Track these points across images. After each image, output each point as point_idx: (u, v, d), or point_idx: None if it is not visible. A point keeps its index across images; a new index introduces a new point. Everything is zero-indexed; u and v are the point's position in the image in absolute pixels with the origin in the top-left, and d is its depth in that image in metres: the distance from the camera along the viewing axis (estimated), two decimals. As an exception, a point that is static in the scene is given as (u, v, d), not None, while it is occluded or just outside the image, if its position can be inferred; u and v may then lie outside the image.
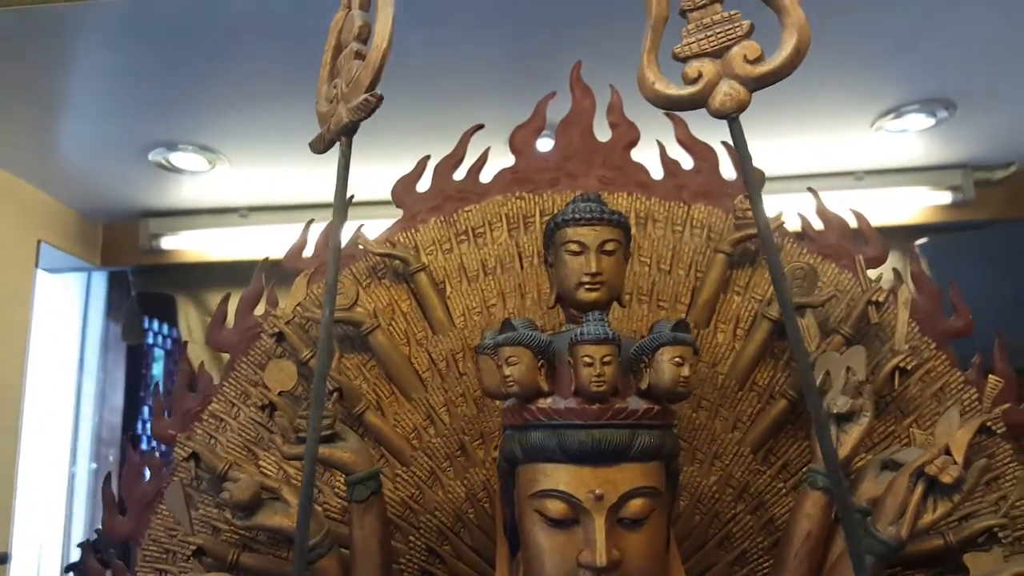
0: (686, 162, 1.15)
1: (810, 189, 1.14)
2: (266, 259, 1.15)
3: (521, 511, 0.78)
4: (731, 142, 0.66)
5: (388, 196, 1.15)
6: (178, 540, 1.02)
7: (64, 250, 2.18)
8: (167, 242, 2.25)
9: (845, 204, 1.14)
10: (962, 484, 0.74)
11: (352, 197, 1.07)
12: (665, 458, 0.78)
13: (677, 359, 0.75)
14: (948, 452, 0.76)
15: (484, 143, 1.15)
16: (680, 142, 1.15)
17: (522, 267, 1.11)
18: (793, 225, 1.12)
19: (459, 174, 1.15)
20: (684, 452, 1.01)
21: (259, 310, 1.12)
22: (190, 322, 2.33)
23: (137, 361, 2.71)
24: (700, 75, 0.68)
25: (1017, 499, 0.95)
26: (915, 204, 2.10)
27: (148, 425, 2.58)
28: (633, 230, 1.08)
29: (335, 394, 1.01)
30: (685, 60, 0.68)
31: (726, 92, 0.67)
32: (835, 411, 0.85)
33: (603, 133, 1.15)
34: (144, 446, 2.49)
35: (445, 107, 1.61)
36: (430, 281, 1.10)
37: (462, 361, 1.07)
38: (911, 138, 1.88)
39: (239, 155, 1.92)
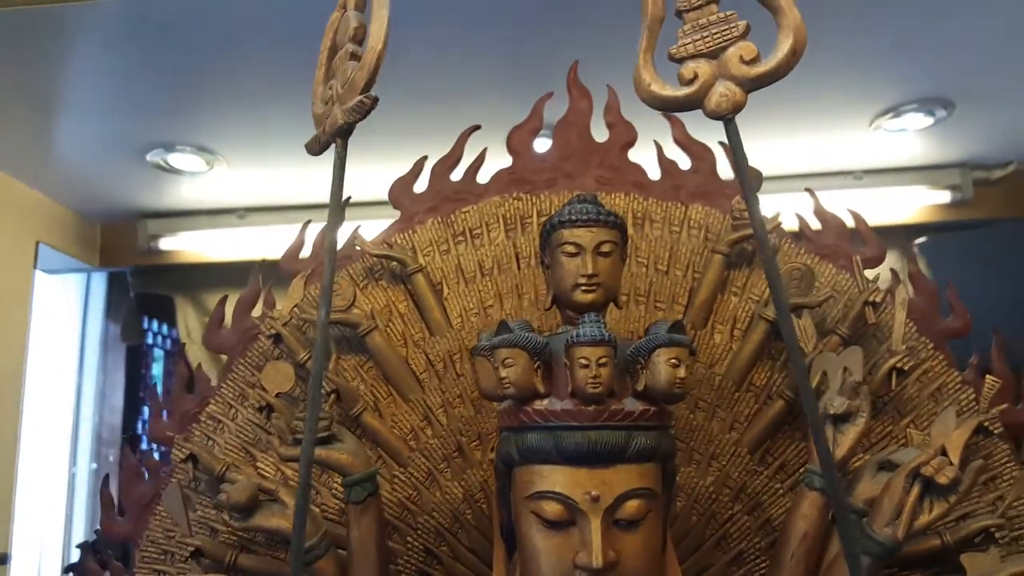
0: (683, 162, 1.15)
1: (807, 189, 1.14)
2: (263, 260, 1.15)
3: (518, 513, 0.78)
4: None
5: (385, 197, 1.15)
6: (176, 541, 1.02)
7: (63, 251, 2.18)
8: (165, 243, 2.25)
9: (844, 203, 1.14)
10: (958, 485, 0.74)
11: (349, 198, 1.07)
12: (661, 459, 0.78)
13: (673, 360, 0.75)
14: (944, 453, 0.76)
15: (481, 144, 1.15)
16: (677, 142, 1.15)
17: (519, 268, 1.11)
18: (791, 225, 1.12)
19: (456, 175, 1.15)
20: (681, 453, 1.01)
21: (256, 311, 1.12)
22: (189, 323, 2.33)
23: (137, 361, 2.71)
24: (696, 76, 0.68)
25: (1014, 499, 0.95)
26: (914, 203, 2.10)
27: (148, 425, 2.57)
28: (630, 231, 1.09)
29: (332, 395, 1.01)
30: (681, 61, 0.68)
31: (722, 93, 0.67)
32: (832, 412, 0.85)
33: (600, 133, 1.15)
34: (144, 446, 2.49)
35: (442, 108, 1.61)
36: (427, 282, 1.10)
37: (459, 362, 1.07)
38: (910, 137, 1.88)
39: (237, 156, 1.92)
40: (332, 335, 1.06)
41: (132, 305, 2.48)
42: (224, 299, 1.13)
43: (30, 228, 2.06)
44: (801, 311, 1.00)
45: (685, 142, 1.14)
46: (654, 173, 1.14)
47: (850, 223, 1.11)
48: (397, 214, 1.15)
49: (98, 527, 1.14)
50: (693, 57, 0.68)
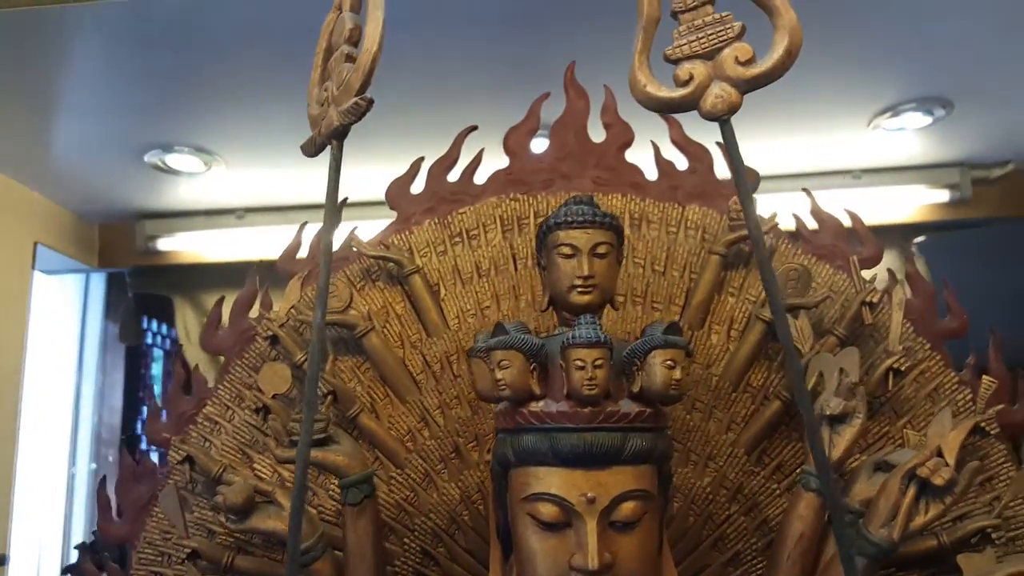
0: (681, 163, 1.15)
1: (804, 189, 1.14)
2: (259, 261, 1.15)
3: (514, 514, 0.78)
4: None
5: (383, 197, 1.15)
6: (173, 543, 1.02)
7: (61, 252, 2.18)
8: (163, 243, 2.25)
9: (842, 203, 1.14)
10: (954, 486, 0.74)
11: (346, 199, 1.07)
12: (657, 461, 0.78)
13: (669, 362, 0.75)
14: (940, 454, 0.76)
15: (478, 144, 1.15)
16: (675, 143, 1.14)
17: (516, 269, 1.11)
18: (788, 225, 1.12)
19: (453, 176, 1.15)
20: (678, 454, 1.01)
21: (253, 313, 1.12)
22: (187, 323, 2.33)
23: (136, 361, 2.71)
24: (691, 77, 0.68)
25: (1011, 500, 0.95)
26: (912, 202, 2.10)
27: (145, 427, 2.57)
28: (627, 231, 1.09)
29: (329, 397, 1.01)
30: (676, 62, 0.68)
31: (717, 94, 0.67)
32: (828, 413, 0.85)
33: (598, 134, 1.15)
34: (144, 446, 2.49)
35: (439, 108, 1.61)
36: (424, 283, 1.09)
37: (456, 363, 1.07)
38: (908, 136, 1.88)
39: (235, 156, 1.92)
40: (329, 336, 1.06)
41: (130, 305, 2.48)
42: (221, 300, 1.13)
43: (28, 229, 2.06)
44: (798, 312, 1.00)
45: (682, 143, 1.14)
46: (651, 174, 1.14)
47: (847, 223, 1.11)
48: (394, 214, 1.15)
49: (96, 528, 1.14)
50: (689, 58, 0.68)
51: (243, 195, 2.13)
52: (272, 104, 1.63)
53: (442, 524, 1.03)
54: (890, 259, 1.15)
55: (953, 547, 0.91)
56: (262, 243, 2.10)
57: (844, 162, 2.01)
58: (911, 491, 0.75)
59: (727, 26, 0.67)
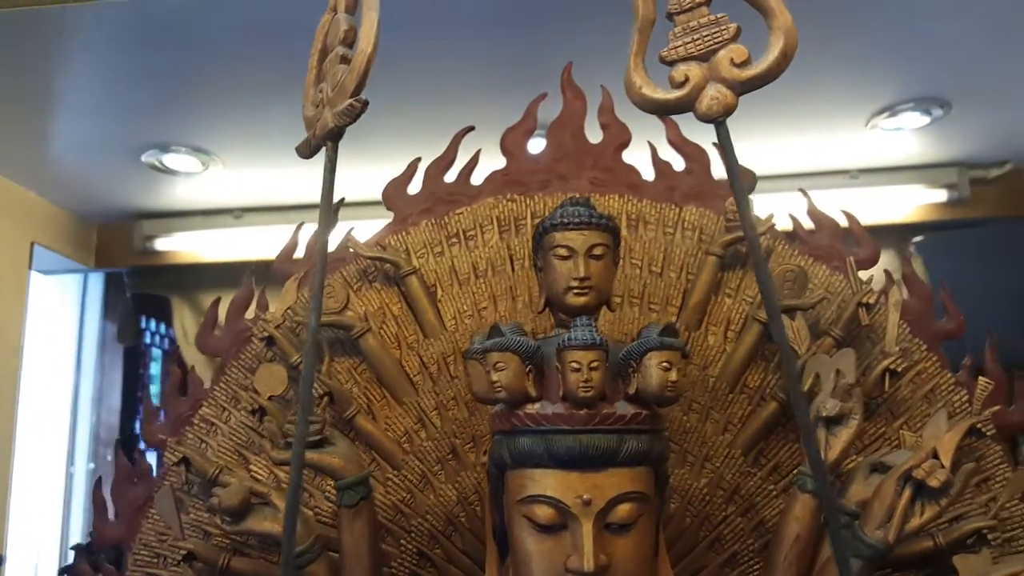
0: (678, 163, 1.14)
1: (801, 190, 1.14)
2: (256, 262, 1.14)
3: (510, 516, 0.78)
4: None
5: (379, 197, 1.15)
6: (169, 544, 1.02)
7: (58, 252, 2.17)
8: (161, 243, 2.25)
9: (840, 203, 1.14)
10: (949, 488, 0.74)
11: (342, 200, 1.07)
12: (653, 463, 0.78)
13: (665, 364, 0.75)
14: (936, 456, 0.76)
15: (475, 145, 1.15)
16: (672, 144, 1.14)
17: (513, 270, 1.11)
18: (785, 225, 1.11)
19: (450, 176, 1.15)
20: (675, 454, 1.01)
21: (250, 314, 1.11)
22: (185, 323, 2.33)
23: (135, 361, 2.71)
24: (687, 79, 0.68)
25: (1007, 501, 0.95)
26: (910, 202, 2.10)
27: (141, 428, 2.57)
28: (624, 232, 1.09)
29: (325, 398, 1.01)
30: (672, 64, 0.68)
31: (712, 96, 0.67)
32: (824, 414, 0.85)
33: (594, 134, 1.15)
34: (142, 446, 2.49)
35: (436, 108, 1.61)
36: (421, 284, 1.09)
37: (453, 364, 1.07)
38: (906, 136, 1.88)
39: (232, 156, 1.92)
40: (325, 337, 1.06)
41: (128, 306, 2.48)
42: (217, 301, 1.13)
43: (25, 229, 2.06)
44: (794, 313, 1.00)
45: (679, 143, 1.14)
46: (648, 174, 1.14)
47: (844, 224, 1.11)
48: (391, 214, 1.14)
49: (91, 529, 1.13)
50: (684, 60, 0.68)
51: (241, 195, 2.13)
52: (269, 104, 1.63)
53: (439, 526, 1.03)
54: (888, 259, 1.16)
55: (949, 548, 0.91)
56: (260, 243, 2.10)
57: (842, 162, 2.01)
58: (907, 493, 0.75)
59: (722, 28, 0.67)
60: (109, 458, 2.48)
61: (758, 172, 1.11)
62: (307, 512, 0.96)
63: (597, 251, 0.84)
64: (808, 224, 1.11)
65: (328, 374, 1.03)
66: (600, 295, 0.85)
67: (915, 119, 1.79)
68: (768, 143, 1.89)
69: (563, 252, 0.84)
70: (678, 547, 0.99)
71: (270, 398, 1.03)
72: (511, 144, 1.15)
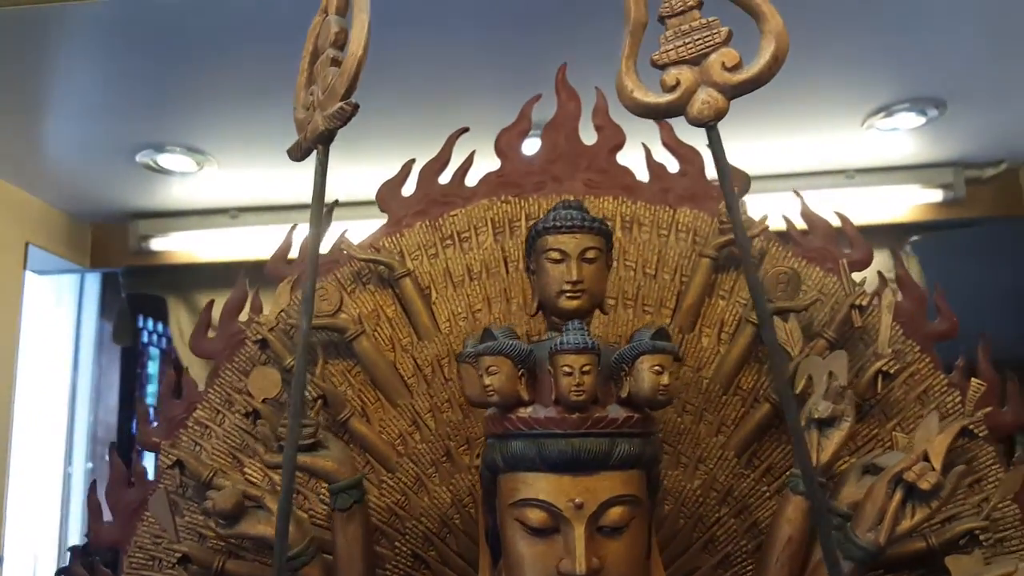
0: (672, 165, 1.14)
1: (794, 191, 1.14)
2: (252, 262, 1.14)
3: (502, 519, 0.78)
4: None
5: (373, 197, 1.15)
6: (164, 547, 1.02)
7: (53, 252, 2.17)
8: (156, 243, 2.24)
9: (836, 203, 1.14)
10: (940, 490, 0.75)
11: (335, 202, 1.07)
12: (646, 466, 0.78)
13: (657, 367, 0.75)
14: (927, 458, 0.76)
15: (469, 146, 1.15)
16: (666, 145, 1.14)
17: (508, 272, 1.11)
18: (779, 226, 1.11)
19: (444, 178, 1.15)
20: (668, 456, 1.01)
21: (243, 316, 1.11)
22: (181, 323, 2.32)
23: (132, 361, 2.71)
24: (678, 83, 0.67)
25: (999, 502, 0.96)
26: (906, 202, 2.10)
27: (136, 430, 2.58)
28: (619, 234, 1.09)
29: (319, 401, 1.00)
30: (663, 67, 0.68)
31: (704, 100, 0.67)
32: (816, 416, 0.85)
33: (589, 136, 1.15)
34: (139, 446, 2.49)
35: (430, 110, 1.60)
36: (415, 286, 1.09)
37: (447, 367, 1.07)
38: (902, 136, 1.88)
39: (227, 156, 1.91)
40: (319, 340, 1.06)
41: (124, 306, 2.47)
42: (211, 304, 1.13)
43: (20, 229, 2.05)
44: (787, 315, 1.00)
45: (673, 145, 1.14)
46: (642, 176, 1.14)
47: (837, 225, 1.11)
48: (385, 215, 1.14)
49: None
50: (675, 63, 0.68)
51: (236, 195, 2.12)
52: (264, 104, 1.62)
53: (433, 528, 1.03)
54: (883, 260, 1.15)
55: (942, 549, 0.91)
56: (255, 243, 2.09)
57: (838, 162, 2.01)
58: (897, 495, 0.75)
59: (714, 31, 0.67)
60: (107, 458, 2.47)
61: (753, 172, 1.11)
62: (301, 514, 0.96)
63: (590, 255, 0.84)
64: (801, 226, 1.12)
65: (322, 377, 1.03)
66: (593, 299, 0.85)
67: (911, 119, 1.78)
68: (764, 143, 1.89)
69: (556, 255, 0.84)
70: (671, 548, 0.99)
71: (264, 401, 1.03)
72: (505, 146, 1.14)
